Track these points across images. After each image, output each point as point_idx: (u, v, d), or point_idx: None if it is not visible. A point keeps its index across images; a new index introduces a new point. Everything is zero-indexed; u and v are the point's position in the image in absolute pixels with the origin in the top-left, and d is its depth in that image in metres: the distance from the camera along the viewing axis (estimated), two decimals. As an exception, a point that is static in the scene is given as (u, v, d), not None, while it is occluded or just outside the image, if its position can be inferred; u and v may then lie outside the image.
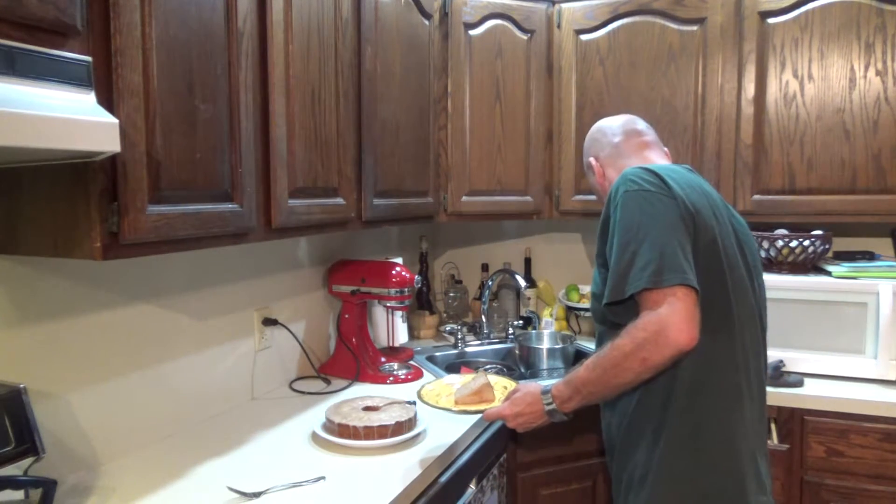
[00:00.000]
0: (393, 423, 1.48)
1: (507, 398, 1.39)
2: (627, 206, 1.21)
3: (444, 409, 1.42)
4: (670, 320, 1.11)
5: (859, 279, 1.94)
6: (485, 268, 2.79)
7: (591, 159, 1.55)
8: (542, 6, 2.34)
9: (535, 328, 2.55)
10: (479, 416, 1.50)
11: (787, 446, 1.88)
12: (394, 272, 2.02)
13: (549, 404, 1.29)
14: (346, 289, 2.06)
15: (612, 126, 1.55)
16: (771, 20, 2.09)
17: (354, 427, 1.46)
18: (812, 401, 1.86)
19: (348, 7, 1.65)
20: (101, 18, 0.98)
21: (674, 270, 1.14)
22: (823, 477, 1.86)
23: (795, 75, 2.07)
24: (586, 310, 2.47)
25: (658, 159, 1.46)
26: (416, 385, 1.93)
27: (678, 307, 1.12)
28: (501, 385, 1.52)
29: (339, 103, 1.62)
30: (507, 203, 2.36)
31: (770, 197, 2.13)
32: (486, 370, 1.69)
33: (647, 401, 1.25)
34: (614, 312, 1.24)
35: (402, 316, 2.17)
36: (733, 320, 1.25)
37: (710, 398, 1.23)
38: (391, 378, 1.99)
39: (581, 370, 1.24)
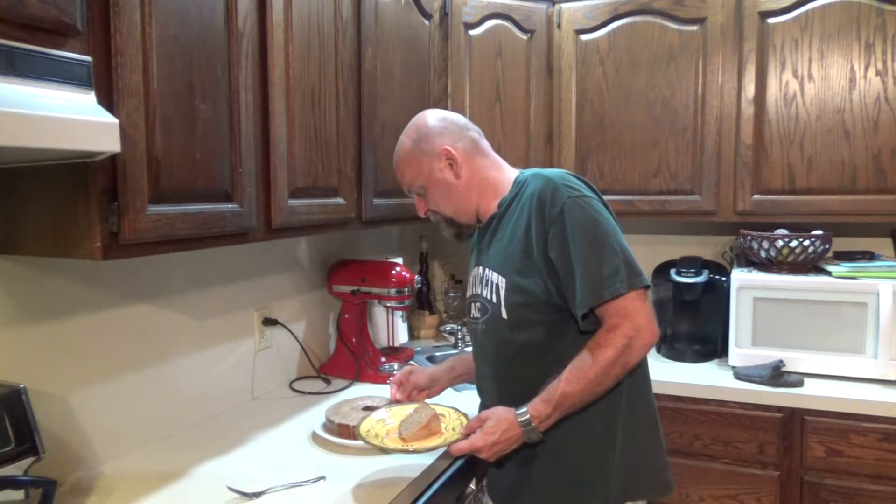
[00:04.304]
0: (393, 423, 1.48)
1: (470, 429, 1.27)
2: (576, 213, 1.21)
3: (401, 451, 1.27)
4: (642, 322, 1.18)
5: (859, 279, 1.94)
6: (485, 268, 2.79)
7: (448, 147, 1.35)
8: (542, 6, 2.34)
9: (535, 328, 2.54)
10: (440, 450, 1.33)
11: (787, 445, 1.88)
12: (394, 272, 2.01)
13: (526, 426, 1.22)
14: (346, 289, 2.06)
15: (458, 119, 1.42)
16: (771, 20, 2.09)
17: (354, 427, 1.46)
18: (812, 401, 1.86)
19: (348, 7, 1.65)
20: (101, 18, 0.99)
21: (638, 273, 1.21)
22: (823, 477, 1.86)
23: (795, 75, 2.07)
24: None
25: (502, 160, 1.45)
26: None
27: (645, 308, 1.20)
28: (438, 411, 1.39)
29: (339, 103, 1.63)
30: (507, 203, 2.36)
31: (770, 197, 2.13)
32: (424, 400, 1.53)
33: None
34: (585, 320, 1.23)
35: (402, 316, 2.17)
36: None
37: (646, 383, 1.33)
38: (391, 378, 1.98)
39: (562, 385, 1.20)
